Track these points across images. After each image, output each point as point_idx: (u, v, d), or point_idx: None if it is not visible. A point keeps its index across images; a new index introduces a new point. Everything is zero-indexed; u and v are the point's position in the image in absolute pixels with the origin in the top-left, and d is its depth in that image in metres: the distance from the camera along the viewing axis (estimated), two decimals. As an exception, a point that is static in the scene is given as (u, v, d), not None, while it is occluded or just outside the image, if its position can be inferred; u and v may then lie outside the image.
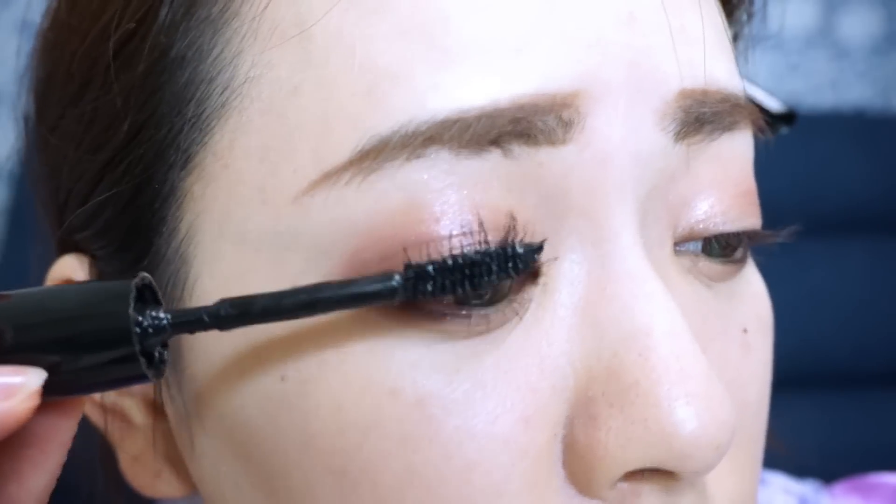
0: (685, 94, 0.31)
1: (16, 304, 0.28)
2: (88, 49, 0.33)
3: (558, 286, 0.30)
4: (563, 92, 0.29)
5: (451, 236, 0.28)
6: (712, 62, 0.32)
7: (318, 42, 0.29)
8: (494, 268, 0.28)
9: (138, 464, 0.38)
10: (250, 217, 0.30)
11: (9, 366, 0.27)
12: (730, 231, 0.32)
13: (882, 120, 1.24)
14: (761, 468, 0.35)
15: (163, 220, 0.32)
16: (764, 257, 0.36)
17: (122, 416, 0.37)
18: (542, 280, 0.30)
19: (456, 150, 0.28)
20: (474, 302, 0.29)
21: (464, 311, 0.29)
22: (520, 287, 0.30)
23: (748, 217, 0.33)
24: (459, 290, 0.28)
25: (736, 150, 0.33)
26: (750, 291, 0.34)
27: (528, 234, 0.29)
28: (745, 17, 0.41)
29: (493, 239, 0.29)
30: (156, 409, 0.36)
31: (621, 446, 0.28)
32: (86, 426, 0.34)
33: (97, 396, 0.37)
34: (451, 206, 0.28)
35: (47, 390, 0.27)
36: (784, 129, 0.40)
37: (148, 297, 0.28)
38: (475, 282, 0.28)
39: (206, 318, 0.28)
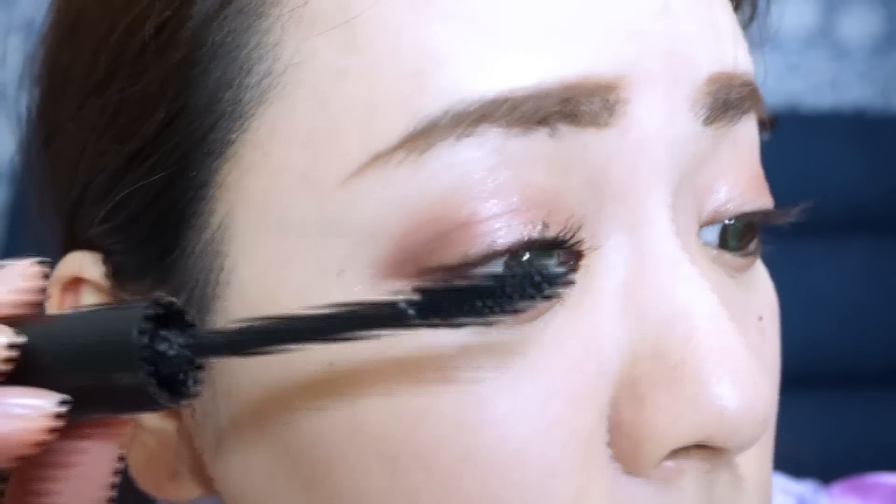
0: (713, 80, 0.32)
1: (39, 328, 0.27)
2: (118, 39, 0.33)
3: (600, 270, 0.31)
4: (607, 77, 0.30)
5: (500, 215, 0.29)
6: (736, 49, 0.33)
7: (363, 28, 0.30)
8: (517, 297, 0.26)
9: (149, 466, 0.37)
10: (293, 204, 0.30)
11: (29, 388, 0.27)
12: (748, 211, 0.33)
13: (882, 120, 1.25)
14: None
15: (195, 211, 0.32)
16: (764, 257, 0.36)
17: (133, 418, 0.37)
18: (583, 263, 0.31)
19: (505, 129, 0.29)
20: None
21: None
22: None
23: (761, 197, 0.34)
24: (479, 319, 0.26)
25: (748, 135, 0.34)
26: (762, 281, 0.35)
27: (569, 217, 0.30)
28: (747, 16, 0.42)
29: (536, 219, 0.29)
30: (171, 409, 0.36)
31: (671, 423, 0.29)
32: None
33: None
34: (501, 183, 0.29)
35: (73, 414, 0.27)
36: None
37: (174, 318, 0.27)
38: (495, 311, 0.26)
39: (224, 345, 0.27)
